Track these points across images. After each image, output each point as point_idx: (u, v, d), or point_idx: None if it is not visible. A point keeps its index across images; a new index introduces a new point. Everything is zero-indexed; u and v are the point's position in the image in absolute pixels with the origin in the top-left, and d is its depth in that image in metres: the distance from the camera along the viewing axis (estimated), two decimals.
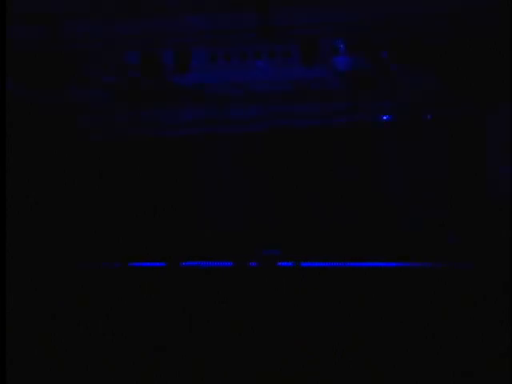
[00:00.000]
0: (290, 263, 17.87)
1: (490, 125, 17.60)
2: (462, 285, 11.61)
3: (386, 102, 18.85)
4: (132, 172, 21.48)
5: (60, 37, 13.66)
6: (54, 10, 12.92)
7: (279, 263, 18.06)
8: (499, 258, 15.72)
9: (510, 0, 11.88)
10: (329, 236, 20.55)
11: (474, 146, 19.13)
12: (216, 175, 22.41)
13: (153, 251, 20.38)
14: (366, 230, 20.30)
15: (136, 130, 20.35)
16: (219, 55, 14.58)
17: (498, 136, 17.34)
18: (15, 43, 13.07)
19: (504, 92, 16.39)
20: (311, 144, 21.50)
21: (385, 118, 19.44)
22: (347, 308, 9.28)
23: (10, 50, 12.25)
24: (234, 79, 18.03)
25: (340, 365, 6.83)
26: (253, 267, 17.69)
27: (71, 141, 20.50)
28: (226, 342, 7.63)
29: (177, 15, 13.01)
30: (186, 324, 8.85)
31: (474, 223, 18.63)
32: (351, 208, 20.56)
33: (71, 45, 14.42)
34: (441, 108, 18.22)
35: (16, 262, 12.37)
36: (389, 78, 17.52)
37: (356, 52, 14.64)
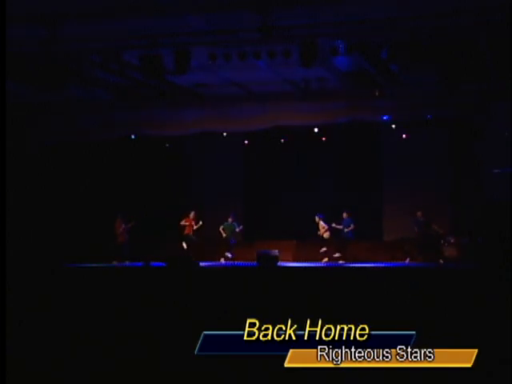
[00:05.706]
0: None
1: (489, 124, 17.60)
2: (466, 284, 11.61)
3: (386, 102, 18.82)
4: (131, 170, 21.50)
5: (60, 37, 13.66)
6: (53, 11, 12.93)
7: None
8: (500, 258, 15.72)
9: (509, 0, 11.90)
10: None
11: (473, 145, 19.14)
12: (215, 174, 22.44)
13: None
14: (365, 231, 20.32)
15: (136, 129, 20.33)
16: (219, 55, 14.58)
17: (498, 136, 17.35)
18: (15, 43, 13.06)
19: (503, 92, 16.40)
20: (311, 143, 21.52)
21: (385, 117, 19.43)
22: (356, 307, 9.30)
23: (11, 50, 12.23)
24: (234, 79, 18.06)
25: None
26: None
27: (70, 140, 20.49)
28: None
29: (177, 15, 13.02)
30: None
31: (475, 222, 18.65)
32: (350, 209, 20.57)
33: (71, 45, 14.43)
34: (441, 108, 18.21)
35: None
36: (389, 78, 17.53)
37: (356, 52, 14.64)
